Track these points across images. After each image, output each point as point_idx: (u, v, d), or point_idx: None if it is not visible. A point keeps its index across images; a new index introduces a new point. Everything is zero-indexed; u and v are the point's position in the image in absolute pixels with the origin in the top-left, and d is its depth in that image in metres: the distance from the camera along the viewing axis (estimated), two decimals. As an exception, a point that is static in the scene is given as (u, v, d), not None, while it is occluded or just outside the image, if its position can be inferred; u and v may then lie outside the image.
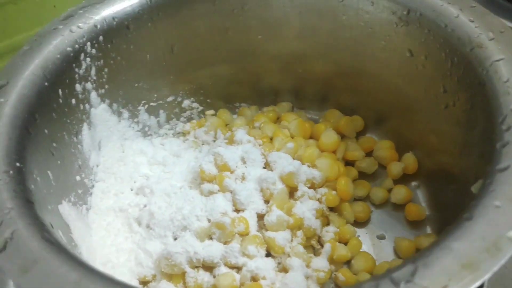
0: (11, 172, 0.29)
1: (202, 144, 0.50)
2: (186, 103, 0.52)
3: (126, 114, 0.47)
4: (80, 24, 0.40)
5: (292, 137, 0.48)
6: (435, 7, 0.40)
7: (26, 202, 0.28)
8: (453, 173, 0.43)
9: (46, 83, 0.36)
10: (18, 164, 0.30)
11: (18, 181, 0.29)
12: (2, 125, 0.32)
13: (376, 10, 0.44)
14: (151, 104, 0.50)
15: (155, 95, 0.49)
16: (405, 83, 0.46)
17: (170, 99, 0.51)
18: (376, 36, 0.45)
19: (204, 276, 0.38)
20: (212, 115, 0.54)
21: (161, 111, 0.51)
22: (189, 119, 0.53)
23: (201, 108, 0.53)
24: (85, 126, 0.42)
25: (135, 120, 0.49)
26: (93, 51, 0.41)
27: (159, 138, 0.51)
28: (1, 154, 0.30)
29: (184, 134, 0.52)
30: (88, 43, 0.40)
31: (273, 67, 0.52)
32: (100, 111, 0.43)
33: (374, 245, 0.44)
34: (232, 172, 0.43)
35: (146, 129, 0.50)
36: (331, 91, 0.53)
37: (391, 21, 0.43)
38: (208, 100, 0.53)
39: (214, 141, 0.50)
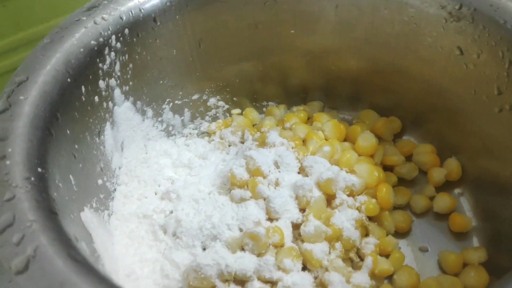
0: (32, 178, 0.27)
1: (229, 146, 0.47)
2: (211, 101, 0.49)
3: (150, 112, 0.44)
4: (104, 16, 0.37)
5: (326, 140, 0.45)
6: (492, 2, 0.36)
7: (50, 213, 0.25)
8: (501, 180, 0.40)
9: (69, 79, 0.33)
10: (40, 170, 0.27)
11: (41, 189, 0.26)
12: (22, 126, 0.29)
13: (423, 4, 0.40)
14: (176, 102, 0.47)
15: (180, 93, 0.47)
16: (451, 83, 0.42)
17: (195, 97, 0.48)
18: (421, 32, 0.42)
19: (236, 291, 0.35)
20: (238, 114, 0.51)
21: (185, 110, 0.48)
22: (214, 118, 0.50)
23: (226, 106, 0.50)
24: (108, 125, 0.39)
25: (159, 119, 0.46)
26: (118, 45, 0.38)
27: (183, 138, 0.48)
28: (22, 158, 0.27)
29: (209, 134, 0.49)
30: (113, 36, 0.37)
31: (303, 64, 0.49)
32: (123, 109, 0.41)
33: (417, 258, 0.41)
34: (265, 177, 0.40)
35: (170, 128, 0.47)
36: (365, 90, 0.49)
37: (440, 16, 0.40)
38: (235, 99, 0.50)
39: (242, 142, 0.47)
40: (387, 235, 0.40)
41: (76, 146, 0.34)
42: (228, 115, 0.51)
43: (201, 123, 0.50)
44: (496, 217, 0.40)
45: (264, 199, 0.39)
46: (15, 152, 0.27)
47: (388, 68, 0.46)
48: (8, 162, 0.27)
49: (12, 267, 0.22)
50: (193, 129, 0.49)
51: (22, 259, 0.23)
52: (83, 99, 0.36)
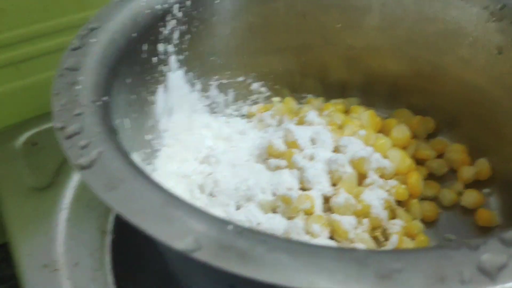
0: (99, 103, 0.29)
1: (267, 127, 0.49)
2: (255, 86, 0.52)
3: (198, 85, 0.47)
4: (171, -15, 0.41)
5: (363, 128, 0.47)
6: (535, 1, 0.38)
7: (112, 130, 0.28)
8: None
9: (134, 34, 0.37)
10: (105, 98, 0.30)
11: (105, 112, 0.29)
12: (92, 62, 0.32)
13: (466, 4, 0.43)
14: (222, 81, 0.49)
15: (228, 73, 0.49)
16: (489, 84, 0.44)
17: (240, 79, 0.51)
18: (463, 31, 0.44)
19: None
20: (279, 102, 0.53)
21: (230, 90, 0.51)
22: (255, 103, 0.53)
23: (268, 93, 0.53)
24: (161, 88, 0.42)
25: (206, 94, 0.48)
26: (180, 14, 0.41)
27: (224, 117, 0.51)
28: (91, 85, 0.30)
29: (249, 116, 0.52)
30: (176, 5, 0.41)
31: (344, 59, 0.51)
32: (176, 76, 0.44)
33: (441, 246, 0.41)
34: (301, 151, 0.42)
35: (214, 105, 0.50)
36: (402, 90, 0.51)
37: (482, 16, 0.42)
38: (276, 87, 0.53)
39: (279, 125, 0.49)
40: (414, 220, 0.42)
41: (133, 97, 0.37)
42: (268, 102, 0.53)
43: (242, 106, 0.52)
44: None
45: (298, 169, 0.41)
46: (85, 80, 0.31)
47: (428, 67, 0.48)
48: (79, 87, 0.30)
49: (79, 163, 0.25)
50: (234, 110, 0.52)
51: (87, 159, 0.25)
52: (144, 56, 0.39)
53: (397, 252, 0.25)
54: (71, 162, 0.25)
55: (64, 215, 0.45)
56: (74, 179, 0.47)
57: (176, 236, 0.22)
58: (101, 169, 0.25)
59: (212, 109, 0.50)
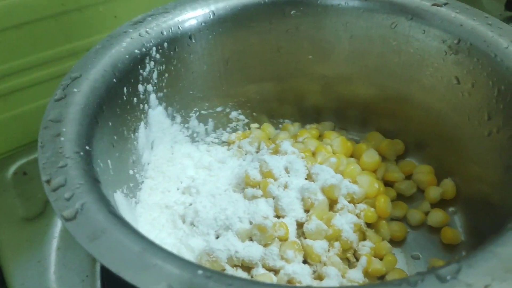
0: (81, 153, 0.32)
1: (246, 154, 0.52)
2: (233, 114, 0.55)
3: (178, 118, 0.50)
4: (148, 30, 0.43)
5: (334, 154, 0.49)
6: (486, 38, 0.41)
7: (94, 180, 0.31)
8: (493, 202, 0.43)
9: (114, 80, 0.39)
10: (87, 147, 0.33)
11: (87, 161, 0.32)
12: (74, 112, 0.35)
13: (426, 38, 0.46)
14: (202, 112, 0.52)
15: (206, 104, 0.52)
16: (449, 110, 0.47)
17: (219, 109, 0.53)
18: (425, 63, 0.47)
19: (242, 275, 0.40)
20: (257, 128, 0.56)
21: (210, 120, 0.53)
22: (234, 130, 0.56)
23: (246, 120, 0.56)
24: (142, 124, 0.45)
25: (186, 125, 0.51)
26: (157, 55, 0.44)
27: (205, 145, 0.53)
28: (73, 136, 0.33)
29: (228, 143, 0.55)
30: (154, 48, 0.43)
31: (318, 87, 0.54)
32: (157, 112, 0.46)
33: (409, 264, 0.44)
34: (275, 180, 0.45)
35: (195, 135, 0.53)
36: (373, 114, 0.54)
37: (441, 49, 0.45)
38: (254, 114, 0.56)
39: (257, 152, 0.52)
40: (382, 240, 0.44)
41: (115, 137, 0.40)
42: (247, 128, 0.56)
43: (222, 134, 0.55)
44: (483, 235, 0.44)
45: (273, 198, 0.43)
46: (68, 131, 0.33)
47: (394, 94, 0.51)
48: (62, 139, 0.32)
49: (64, 215, 0.27)
50: (214, 138, 0.54)
51: (71, 211, 0.28)
52: (124, 98, 0.41)
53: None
54: (57, 214, 0.28)
55: (55, 244, 0.47)
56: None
57: (151, 283, 0.24)
58: (84, 220, 0.27)
59: (193, 139, 0.53)
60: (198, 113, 0.52)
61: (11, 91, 0.55)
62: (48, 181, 0.29)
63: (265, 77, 0.53)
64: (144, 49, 0.43)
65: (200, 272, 0.25)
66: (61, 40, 0.57)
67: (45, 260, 0.45)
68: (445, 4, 0.45)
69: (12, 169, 0.54)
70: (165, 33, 0.44)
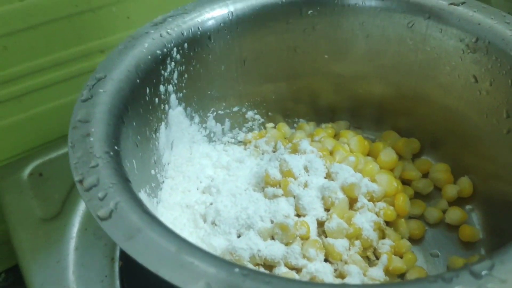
0: (111, 153, 0.32)
1: (263, 153, 0.53)
2: (249, 114, 0.55)
3: (197, 119, 0.50)
4: (169, 30, 0.44)
5: (352, 153, 0.50)
6: (504, 36, 0.42)
7: (125, 180, 0.31)
8: (509, 200, 0.44)
9: (138, 80, 0.40)
10: (116, 147, 0.33)
11: (117, 161, 0.32)
12: (102, 112, 0.35)
13: (444, 37, 0.46)
14: (219, 112, 0.52)
15: (224, 104, 0.52)
16: (466, 108, 0.47)
17: (235, 109, 0.54)
18: (442, 61, 0.47)
19: (265, 274, 0.40)
20: (272, 127, 0.56)
21: (226, 120, 0.54)
22: (250, 129, 0.56)
23: (262, 120, 0.56)
24: (163, 125, 0.45)
25: (204, 125, 0.51)
26: (178, 56, 0.44)
27: (222, 145, 0.54)
28: (103, 136, 0.33)
29: (245, 143, 0.55)
30: (175, 49, 0.44)
31: (333, 86, 0.54)
32: (176, 113, 0.46)
33: (428, 262, 0.45)
34: (295, 179, 0.45)
35: (212, 135, 0.53)
36: (388, 113, 0.54)
37: (458, 48, 0.45)
38: (270, 113, 0.56)
39: (274, 151, 0.53)
40: (402, 238, 0.45)
41: (139, 137, 0.40)
42: (262, 128, 0.56)
43: (238, 133, 0.55)
44: (502, 232, 0.44)
45: (294, 197, 0.44)
46: (97, 131, 0.33)
47: (410, 93, 0.51)
48: (92, 139, 0.33)
49: (99, 215, 0.28)
50: (231, 137, 0.55)
51: (106, 210, 0.28)
52: (147, 98, 0.42)
53: (382, 286, 0.28)
54: (92, 214, 0.28)
55: (73, 244, 0.47)
56: (81, 208, 0.50)
57: (189, 281, 0.25)
58: (119, 220, 0.28)
59: (210, 138, 0.53)
60: (215, 113, 0.52)
61: (26, 92, 0.55)
62: (80, 181, 0.30)
63: (281, 77, 0.53)
64: (165, 50, 0.43)
65: (236, 270, 0.25)
66: (75, 41, 0.57)
67: (63, 260, 0.46)
68: (463, 3, 0.46)
69: (28, 170, 0.54)
70: (185, 33, 0.45)
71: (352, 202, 0.45)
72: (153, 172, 0.44)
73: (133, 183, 0.36)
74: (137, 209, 0.28)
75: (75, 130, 0.33)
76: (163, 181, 0.46)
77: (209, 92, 0.50)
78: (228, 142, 0.55)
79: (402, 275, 0.43)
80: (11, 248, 0.48)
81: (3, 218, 0.49)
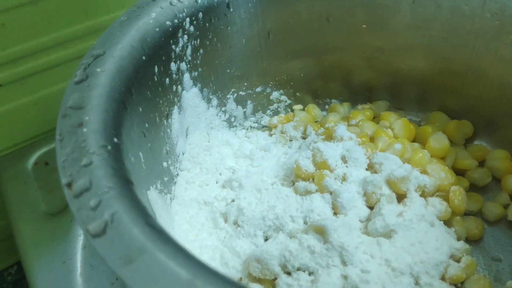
0: (109, 147, 0.26)
1: (291, 140, 0.46)
2: (274, 95, 0.49)
3: (215, 101, 0.44)
4: (180, -3, 0.37)
5: (396, 138, 0.43)
6: None
7: (126, 181, 0.25)
8: None
9: (143, 57, 0.33)
10: (115, 140, 0.27)
11: (117, 158, 0.26)
12: (99, 96, 0.29)
13: (508, 0, 0.38)
14: (240, 93, 0.46)
15: (245, 84, 0.46)
16: (534, 85, 0.40)
17: (259, 89, 0.48)
18: (505, 30, 0.40)
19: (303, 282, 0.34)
20: (301, 110, 0.50)
21: (248, 102, 0.48)
22: (276, 112, 0.50)
23: (289, 102, 0.50)
24: (175, 109, 0.39)
25: (223, 109, 0.45)
26: (191, 28, 0.38)
27: (244, 130, 0.48)
28: (99, 126, 0.27)
29: (269, 128, 0.49)
30: (187, 19, 0.37)
31: (371, 61, 0.48)
32: (191, 95, 0.40)
33: (490, 268, 0.38)
34: (331, 171, 0.38)
35: (232, 119, 0.47)
36: (434, 92, 0.48)
37: (527, 12, 0.38)
38: (297, 94, 0.50)
39: (303, 137, 0.46)
40: (458, 240, 0.38)
41: (146, 125, 0.34)
42: (289, 110, 0.50)
43: (262, 117, 0.49)
44: None
45: (331, 193, 0.37)
46: (92, 120, 0.27)
47: (463, 68, 0.44)
48: (85, 130, 0.27)
49: (90, 230, 0.22)
50: (254, 122, 0.49)
51: (99, 224, 0.22)
52: (155, 79, 0.35)
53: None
54: (81, 228, 0.22)
55: (81, 242, 0.42)
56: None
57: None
58: (116, 236, 0.21)
59: (231, 124, 0.47)
60: (235, 94, 0.46)
61: (28, 74, 0.51)
62: (69, 185, 0.24)
63: (311, 51, 0.47)
64: (176, 21, 0.37)
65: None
66: (79, 17, 0.52)
67: (70, 260, 0.40)
68: (533, -43, 0.38)
69: (33, 159, 0.49)
70: (199, 1, 0.38)
71: (399, 198, 0.38)
72: (165, 164, 0.38)
73: (140, 180, 0.30)
74: (139, 221, 0.22)
75: (65, 119, 0.27)
76: (178, 174, 0.40)
77: (228, 71, 0.44)
78: (251, 127, 0.48)
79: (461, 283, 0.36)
80: (15, 245, 0.43)
81: (5, 211, 0.45)
